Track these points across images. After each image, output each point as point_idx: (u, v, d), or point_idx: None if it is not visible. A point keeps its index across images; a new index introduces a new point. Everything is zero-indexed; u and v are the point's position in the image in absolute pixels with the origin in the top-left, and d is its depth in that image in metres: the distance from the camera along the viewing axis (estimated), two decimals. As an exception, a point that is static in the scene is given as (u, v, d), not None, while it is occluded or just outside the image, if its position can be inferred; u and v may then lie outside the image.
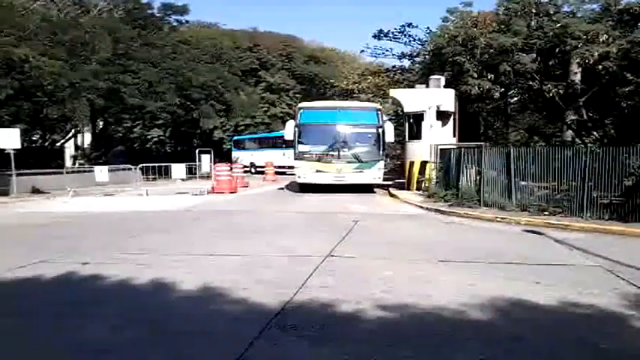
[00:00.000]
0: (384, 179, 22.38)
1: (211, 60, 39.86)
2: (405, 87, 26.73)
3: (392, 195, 19.59)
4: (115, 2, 35.06)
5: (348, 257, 8.30)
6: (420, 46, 29.27)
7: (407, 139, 21.71)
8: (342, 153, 20.13)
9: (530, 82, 22.70)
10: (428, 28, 28.21)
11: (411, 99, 21.12)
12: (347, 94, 37.91)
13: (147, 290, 6.45)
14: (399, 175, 25.11)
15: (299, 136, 20.63)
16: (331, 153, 20.20)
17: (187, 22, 41.25)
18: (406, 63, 31.34)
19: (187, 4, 37.87)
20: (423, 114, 20.41)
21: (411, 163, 20.50)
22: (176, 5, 37.08)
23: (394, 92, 23.10)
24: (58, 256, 8.45)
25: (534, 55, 21.27)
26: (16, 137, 19.88)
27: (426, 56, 27.27)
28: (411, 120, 21.27)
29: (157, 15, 36.68)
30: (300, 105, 22.30)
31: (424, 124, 20.40)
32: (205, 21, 52.38)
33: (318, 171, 20.15)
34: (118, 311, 5.66)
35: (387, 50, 30.49)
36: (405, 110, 21.51)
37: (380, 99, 34.97)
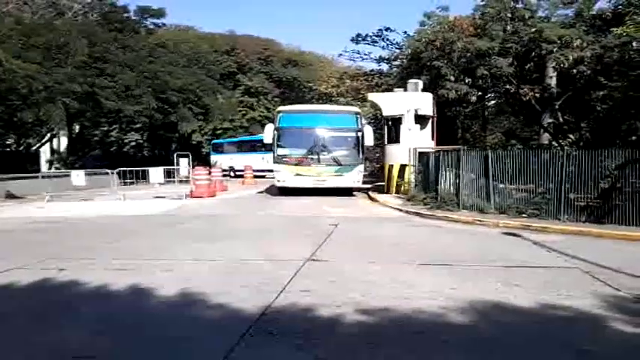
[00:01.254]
0: (364, 182, 22.41)
1: (189, 63, 39.69)
2: (383, 91, 26.84)
3: (372, 198, 19.63)
4: (90, 5, 34.77)
5: (328, 261, 8.28)
6: (398, 50, 29.45)
7: (386, 143, 21.76)
8: (321, 157, 20.19)
9: (507, 86, 22.94)
10: (405, 32, 28.31)
11: (390, 103, 21.17)
12: (326, 98, 38.02)
13: (125, 296, 6.36)
14: (378, 179, 25.17)
15: (278, 140, 20.57)
16: (311, 157, 20.26)
17: (164, 25, 41.20)
18: (384, 67, 31.52)
19: (164, 7, 37.77)
20: (401, 117, 20.46)
21: (391, 167, 20.57)
22: (152, 8, 36.95)
23: (373, 96, 23.18)
24: (33, 262, 8.29)
25: (510, 59, 21.49)
26: (-11, 142, 19.52)
27: (404, 60, 27.42)
28: (390, 124, 21.30)
29: (134, 18, 36.53)
30: (280, 108, 22.25)
31: (403, 128, 20.45)
32: (182, 24, 52.20)
33: (297, 175, 20.14)
34: (95, 317, 5.56)
35: (366, 54, 30.52)
36: (384, 114, 21.57)
37: (359, 102, 35.08)
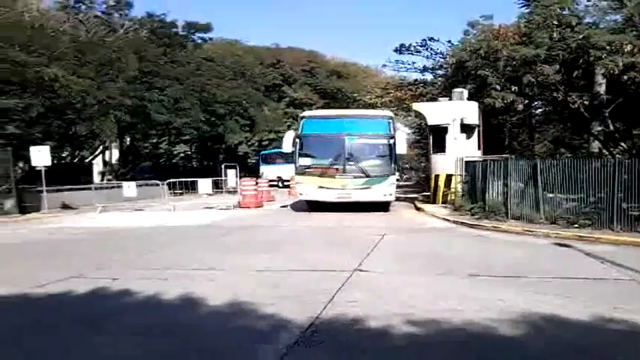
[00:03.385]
0: (409, 192, 22.28)
1: (235, 76, 40.30)
2: (428, 100, 26.62)
3: (418, 208, 19.53)
4: (140, 22, 35.78)
5: (375, 272, 8.28)
6: (442, 60, 29.24)
7: (431, 153, 21.63)
8: (347, 167, 18.08)
9: (555, 94, 22.49)
10: (449, 41, 28.08)
11: (435, 112, 21.06)
12: (370, 108, 37.91)
13: (175, 305, 6.51)
14: (424, 189, 24.99)
15: (300, 148, 18.74)
16: (335, 167, 18.21)
17: (211, 39, 41.94)
18: (429, 76, 31.33)
19: (210, 22, 38.55)
20: (447, 127, 20.32)
21: (437, 177, 20.42)
22: (199, 24, 37.80)
23: (417, 106, 23.09)
24: (88, 271, 8.58)
25: (557, 67, 21.10)
26: (47, 154, 20.24)
27: (449, 69, 27.22)
28: (435, 133, 21.17)
29: (181, 33, 37.41)
30: (303, 114, 20.57)
31: (448, 137, 20.30)
32: (228, 38, 53.00)
33: (320, 187, 18.21)
34: (146, 327, 5.72)
35: (410, 64, 30.27)
36: (429, 123, 21.44)
37: (403, 112, 34.92)
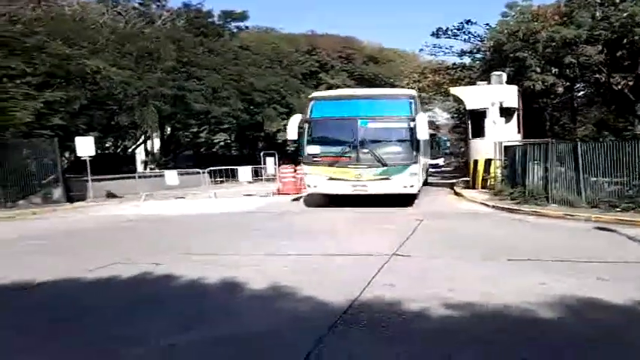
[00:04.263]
0: (447, 177, 22.12)
1: (272, 64, 40.55)
2: (466, 84, 26.35)
3: (457, 194, 19.43)
4: (177, 12, 36.24)
5: (413, 256, 8.34)
6: (480, 43, 28.89)
7: (470, 137, 21.45)
8: (361, 155, 15.67)
9: (597, 75, 22.08)
10: (487, 24, 27.67)
11: (473, 96, 20.85)
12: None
13: (217, 289, 6.71)
14: (463, 174, 24.81)
15: (309, 135, 16.37)
16: (348, 155, 15.83)
17: (247, 27, 42.22)
18: (466, 60, 30.99)
19: (246, 10, 38.74)
20: (485, 111, 20.11)
21: (476, 161, 20.25)
22: (235, 12, 38.09)
23: (455, 90, 22.89)
24: (132, 257, 8.86)
25: (600, 47, 20.65)
26: (91, 145, 20.80)
27: (487, 53, 26.90)
28: (474, 117, 20.97)
29: (218, 22, 37.74)
30: (313, 94, 18.22)
31: (487, 122, 20.08)
32: (264, 26, 53.18)
33: (331, 179, 15.82)
34: (190, 309, 5.91)
35: (447, 48, 29.99)
36: (467, 108, 21.25)
37: (441, 97, 34.64)
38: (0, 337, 5.17)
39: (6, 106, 18.18)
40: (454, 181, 23.39)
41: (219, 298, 6.35)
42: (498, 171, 18.28)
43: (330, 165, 15.95)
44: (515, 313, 5.39)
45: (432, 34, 29.75)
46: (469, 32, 28.97)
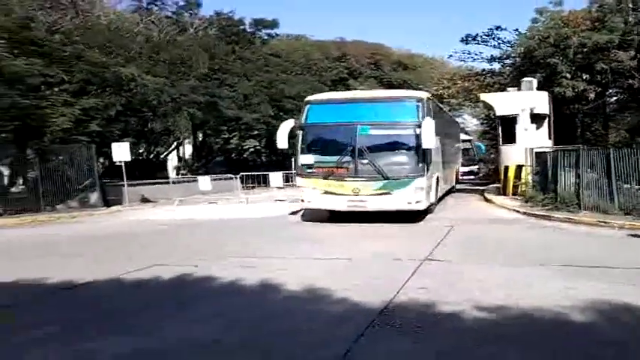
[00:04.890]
0: (477, 184, 21.99)
1: (302, 71, 40.91)
2: (496, 90, 26.24)
3: (487, 200, 19.39)
4: (209, 20, 36.87)
5: (445, 261, 8.49)
6: (509, 49, 28.76)
7: (500, 144, 21.40)
8: (360, 166, 13.83)
9: (630, 81, 21.82)
10: (517, 30, 27.51)
11: (503, 102, 20.80)
12: (437, 99, 37.67)
13: (254, 290, 6.95)
14: (494, 180, 24.72)
15: (303, 143, 14.74)
16: (345, 166, 13.99)
17: (277, 35, 42.68)
18: (496, 66, 30.84)
19: (276, 18, 39.20)
20: (516, 117, 20.03)
21: (506, 168, 20.19)
22: (266, 20, 38.56)
23: (485, 96, 22.87)
24: (170, 259, 9.18)
25: (633, 52, 20.46)
26: (127, 150, 21.24)
27: (517, 59, 26.77)
28: (504, 124, 20.91)
29: (249, 30, 38.26)
30: (308, 98, 15.95)
31: (518, 128, 20.01)
32: (294, 33, 53.62)
33: (326, 192, 14.05)
34: (227, 309, 6.16)
35: (476, 54, 29.82)
36: (497, 114, 21.21)
37: (471, 103, 34.48)
38: (50, 331, 5.45)
39: (46, 113, 18.77)
40: (485, 187, 23.31)
41: (257, 299, 6.60)
42: (529, 177, 18.21)
43: (325, 177, 14.12)
44: (546, 316, 5.48)
45: (461, 40, 29.64)
46: (498, 38, 28.82)
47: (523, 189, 18.35)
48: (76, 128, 19.75)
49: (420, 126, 13.49)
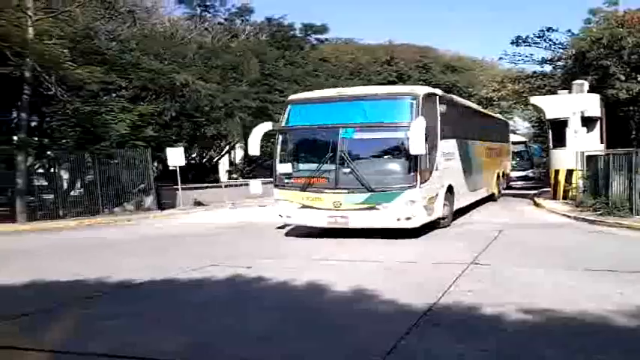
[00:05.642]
0: (529, 187, 21.61)
1: (351, 75, 41.17)
2: (546, 93, 25.84)
3: (537, 204, 19.21)
4: (260, 27, 37.57)
5: (491, 265, 8.57)
6: (561, 50, 28.32)
7: (551, 147, 21.13)
8: (342, 176, 11.85)
9: (688, 82, 21.22)
10: (569, 31, 27.04)
11: (553, 106, 20.52)
12: (486, 102, 37.34)
13: (305, 290, 7.26)
14: (544, 184, 24.38)
15: (281, 149, 13.04)
16: (325, 176, 12.11)
17: (327, 40, 43.06)
18: (547, 68, 30.38)
19: (326, 23, 39.62)
20: (566, 120, 19.74)
21: (556, 172, 19.94)
22: (316, 25, 39.03)
23: (535, 99, 22.60)
24: (225, 260, 9.57)
25: (693, 52, 19.89)
26: (181, 155, 21.84)
27: (568, 61, 26.33)
28: (555, 127, 20.64)
29: (299, 35, 38.77)
30: (290, 97, 14.52)
31: (568, 131, 19.72)
32: (343, 38, 53.95)
33: (304, 207, 12.24)
34: (278, 307, 6.49)
35: (527, 56, 29.41)
36: (547, 117, 20.92)
37: (521, 106, 34.03)
38: (114, 325, 5.88)
39: (105, 119, 19.62)
40: (535, 192, 23.06)
41: (307, 298, 6.92)
42: (580, 181, 17.99)
43: (303, 189, 12.30)
44: (590, 319, 5.54)
45: (512, 43, 29.32)
46: (550, 40, 28.43)
47: (574, 193, 18.13)
48: (133, 133, 20.50)
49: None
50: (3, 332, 5.71)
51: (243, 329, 5.60)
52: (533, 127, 41.40)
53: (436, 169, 12.63)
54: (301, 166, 12.86)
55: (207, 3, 35.30)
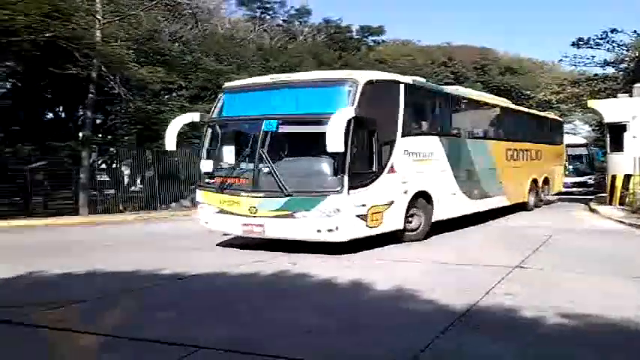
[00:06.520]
0: (584, 192, 21.12)
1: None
2: (607, 96, 25.25)
3: (592, 210, 18.83)
4: (318, 28, 38.06)
5: (536, 269, 8.55)
6: (625, 52, 27.56)
7: (609, 152, 20.68)
8: (261, 177, 10.15)
9: None
10: (635, 31, 26.25)
11: (612, 109, 20.03)
12: (546, 106, 36.63)
13: (347, 288, 7.46)
14: (602, 190, 23.81)
15: (208, 145, 11.55)
16: (243, 176, 10.53)
17: (383, 41, 43.21)
18: (610, 70, 29.59)
19: (383, 25, 39.74)
20: (625, 125, 19.29)
21: (614, 177, 19.51)
22: (373, 27, 39.28)
23: (593, 103, 22.14)
24: (267, 257, 9.81)
25: None
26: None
27: (631, 63, 25.62)
28: (613, 131, 20.16)
29: (356, 37, 39.06)
30: (225, 85, 12.40)
31: (626, 136, 19.23)
32: (400, 39, 53.86)
33: (222, 211, 10.64)
34: (319, 303, 6.70)
35: (588, 58, 28.73)
36: (605, 121, 20.47)
37: (581, 110, 33.26)
38: (165, 314, 6.23)
39: (165, 117, 20.36)
40: (591, 197, 22.57)
41: (348, 295, 7.13)
42: (637, 187, 17.59)
43: (221, 190, 10.72)
44: (633, 327, 5.47)
45: (573, 44, 28.78)
46: (613, 41, 27.69)
47: (631, 199, 17.75)
48: (192, 132, 21.18)
49: (351, 119, 9.36)
50: (64, 316, 6.14)
51: (288, 323, 5.82)
52: (593, 130, 40.33)
53: (391, 172, 10.65)
54: (222, 164, 11.26)
55: (267, 5, 36.05)
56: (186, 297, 7.24)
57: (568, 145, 25.55)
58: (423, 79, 13.85)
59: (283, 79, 11.34)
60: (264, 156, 10.01)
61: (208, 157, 11.28)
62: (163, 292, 7.58)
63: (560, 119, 25.62)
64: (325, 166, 9.86)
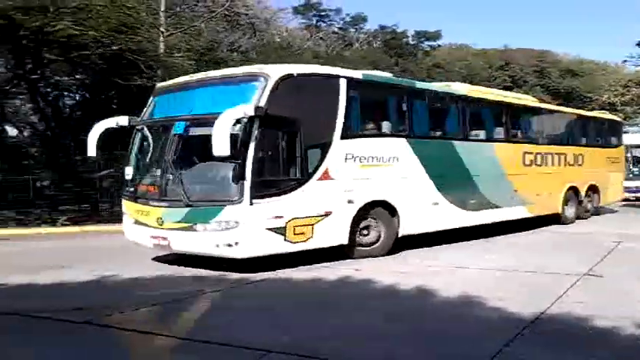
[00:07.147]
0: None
1: (464, 81, 40.74)
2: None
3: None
4: (373, 34, 38.16)
5: (606, 276, 8.32)
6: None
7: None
8: (169, 185, 9.32)
9: None
10: None
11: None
12: (609, 108, 35.56)
13: (411, 295, 7.43)
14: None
15: (133, 150, 10.67)
16: (155, 184, 9.66)
17: (439, 46, 42.90)
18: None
19: (440, 29, 39.49)
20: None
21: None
22: (429, 32, 39.07)
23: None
24: (332, 262, 9.76)
25: None
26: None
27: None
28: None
29: (412, 43, 38.97)
30: (157, 85, 11.79)
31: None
32: (457, 43, 53.33)
33: (136, 222, 9.86)
34: (384, 310, 6.67)
35: (654, 58, 27.79)
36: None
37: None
38: (231, 317, 6.34)
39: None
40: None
41: (414, 302, 7.12)
42: None
43: (136, 199, 9.99)
44: None
45: (638, 44, 27.93)
46: (684, 40, 26.64)
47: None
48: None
49: (252, 121, 8.42)
50: (140, 318, 6.43)
51: (349, 328, 5.87)
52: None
53: (325, 178, 9.40)
54: (139, 171, 10.42)
55: (322, 13, 36.40)
56: (253, 300, 7.38)
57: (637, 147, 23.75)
58: (385, 74, 12.11)
59: (200, 76, 10.54)
60: (169, 162, 9.21)
61: (133, 164, 10.50)
62: (231, 295, 7.76)
63: (617, 118, 22.75)
64: (226, 172, 8.60)
